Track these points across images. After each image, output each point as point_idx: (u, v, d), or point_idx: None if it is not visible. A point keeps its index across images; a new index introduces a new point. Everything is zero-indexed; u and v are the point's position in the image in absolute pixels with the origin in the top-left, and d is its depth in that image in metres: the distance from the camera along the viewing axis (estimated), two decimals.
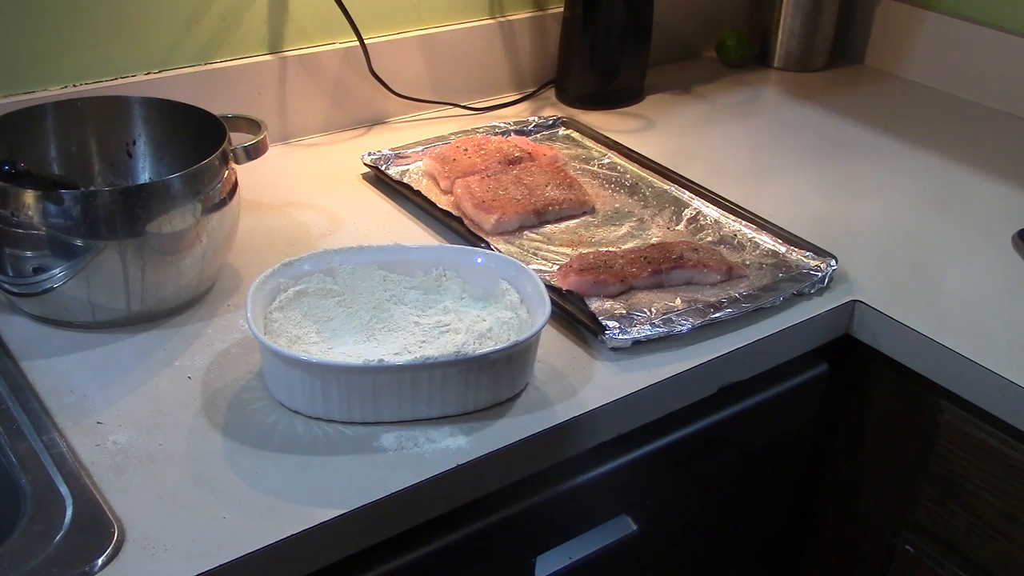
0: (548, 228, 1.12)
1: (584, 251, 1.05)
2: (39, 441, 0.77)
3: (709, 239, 1.11)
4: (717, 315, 0.96)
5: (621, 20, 1.40)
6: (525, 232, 1.11)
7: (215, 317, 0.94)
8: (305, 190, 1.18)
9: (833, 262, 1.05)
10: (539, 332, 0.83)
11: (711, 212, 1.16)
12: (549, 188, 1.14)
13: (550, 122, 1.36)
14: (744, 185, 1.24)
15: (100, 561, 0.67)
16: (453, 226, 1.09)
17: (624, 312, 0.97)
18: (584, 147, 1.32)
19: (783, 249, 1.09)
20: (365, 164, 1.21)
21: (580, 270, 0.99)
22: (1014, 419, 0.93)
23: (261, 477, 0.75)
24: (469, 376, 0.81)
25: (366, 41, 1.29)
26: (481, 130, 1.31)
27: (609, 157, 1.29)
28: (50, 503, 0.71)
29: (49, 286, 0.87)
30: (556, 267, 1.03)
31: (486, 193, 1.12)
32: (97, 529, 0.69)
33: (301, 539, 0.71)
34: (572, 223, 1.13)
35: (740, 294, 1.00)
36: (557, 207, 1.12)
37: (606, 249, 1.06)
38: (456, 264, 0.93)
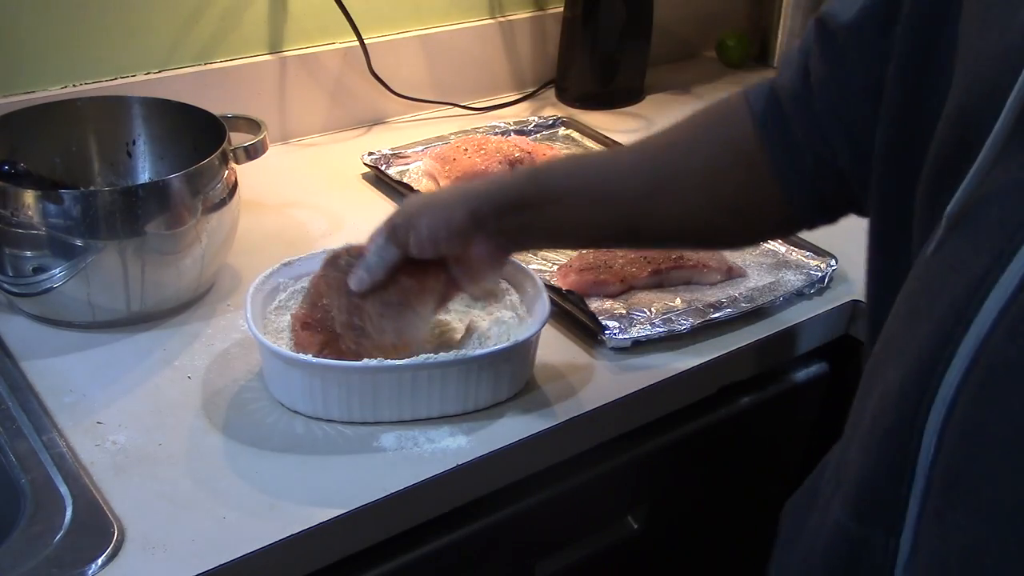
0: None
1: (584, 251, 1.05)
2: (39, 441, 0.77)
3: None
4: (717, 315, 0.96)
5: (621, 20, 1.40)
6: None
7: (215, 317, 0.94)
8: (305, 190, 1.18)
9: (833, 262, 1.05)
10: (539, 332, 0.83)
11: None
12: None
13: (550, 122, 1.36)
14: None
15: (100, 561, 0.67)
16: None
17: (624, 312, 0.97)
18: (584, 147, 1.31)
19: (783, 249, 1.09)
20: (365, 164, 1.21)
21: (580, 270, 0.99)
22: None
23: (261, 477, 0.75)
24: (469, 376, 0.80)
25: (366, 41, 1.29)
26: (481, 130, 1.30)
27: None
28: (50, 503, 0.71)
29: (49, 286, 0.87)
30: (556, 267, 1.03)
31: None
32: (97, 529, 0.69)
33: (301, 539, 0.71)
34: None
35: (740, 294, 1.00)
36: None
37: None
38: None
